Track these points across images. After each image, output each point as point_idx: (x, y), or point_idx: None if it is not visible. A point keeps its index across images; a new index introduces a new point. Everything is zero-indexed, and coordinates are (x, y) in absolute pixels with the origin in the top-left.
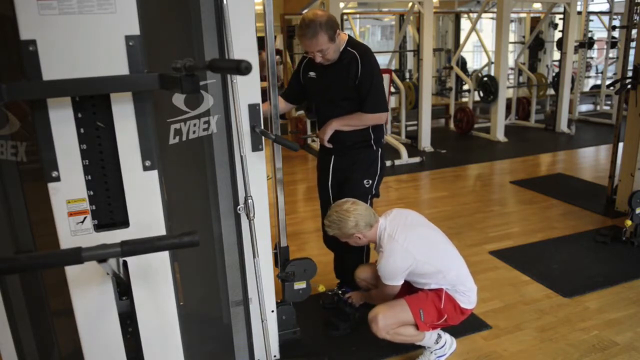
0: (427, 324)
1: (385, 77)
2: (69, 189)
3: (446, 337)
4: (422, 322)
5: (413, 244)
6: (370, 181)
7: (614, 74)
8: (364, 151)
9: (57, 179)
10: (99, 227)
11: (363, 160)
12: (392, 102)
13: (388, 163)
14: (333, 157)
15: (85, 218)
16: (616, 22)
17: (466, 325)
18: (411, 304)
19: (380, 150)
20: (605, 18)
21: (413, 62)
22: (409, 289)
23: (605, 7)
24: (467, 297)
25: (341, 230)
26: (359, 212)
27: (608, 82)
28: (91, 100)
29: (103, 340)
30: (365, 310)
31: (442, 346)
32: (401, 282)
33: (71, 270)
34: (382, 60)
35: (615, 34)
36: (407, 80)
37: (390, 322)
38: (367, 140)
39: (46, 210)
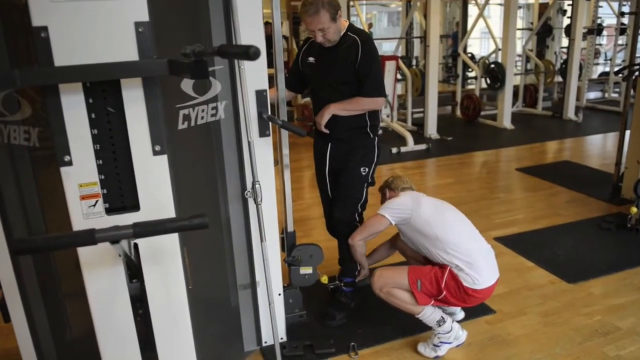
0: (424, 295)
1: (392, 64)
2: (80, 172)
3: (454, 325)
4: (419, 292)
5: (425, 200)
6: (367, 169)
7: (623, 60)
8: (361, 138)
9: (69, 163)
10: (110, 211)
11: (360, 148)
12: (399, 89)
13: (394, 150)
14: (330, 144)
15: (97, 201)
16: (625, 9)
17: (471, 309)
18: (411, 272)
19: (376, 138)
20: (615, 4)
21: (420, 48)
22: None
23: None
24: (471, 277)
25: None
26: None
27: (616, 69)
28: (102, 86)
29: (115, 321)
30: (361, 299)
31: (447, 332)
32: (388, 218)
33: (84, 252)
34: (389, 47)
35: (625, 20)
36: (414, 67)
37: (385, 280)
38: (363, 127)
39: (57, 195)
